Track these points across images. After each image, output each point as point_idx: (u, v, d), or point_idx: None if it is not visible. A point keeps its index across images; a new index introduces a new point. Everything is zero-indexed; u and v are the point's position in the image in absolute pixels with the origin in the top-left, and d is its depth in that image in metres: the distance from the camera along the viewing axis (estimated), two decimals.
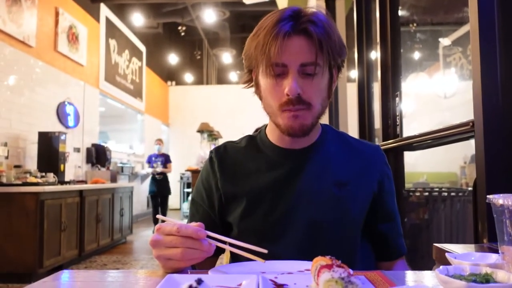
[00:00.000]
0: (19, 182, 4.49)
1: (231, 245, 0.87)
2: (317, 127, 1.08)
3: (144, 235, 7.47)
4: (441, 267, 0.66)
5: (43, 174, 4.98)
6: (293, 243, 1.01)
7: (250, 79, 1.09)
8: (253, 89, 1.09)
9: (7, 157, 4.81)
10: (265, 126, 1.16)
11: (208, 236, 0.83)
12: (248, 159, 1.10)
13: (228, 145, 1.16)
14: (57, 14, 6.18)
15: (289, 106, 0.96)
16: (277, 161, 1.07)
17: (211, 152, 1.16)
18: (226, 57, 12.48)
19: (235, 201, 1.07)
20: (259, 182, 1.05)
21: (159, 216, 0.89)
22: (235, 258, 1.14)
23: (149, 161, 8.12)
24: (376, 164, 1.12)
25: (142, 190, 10.01)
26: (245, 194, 1.05)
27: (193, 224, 0.82)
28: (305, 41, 0.94)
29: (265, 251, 0.80)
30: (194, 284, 0.48)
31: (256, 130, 1.24)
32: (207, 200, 1.11)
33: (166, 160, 8.04)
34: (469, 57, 5.78)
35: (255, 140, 1.14)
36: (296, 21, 0.94)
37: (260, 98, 1.06)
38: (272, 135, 1.10)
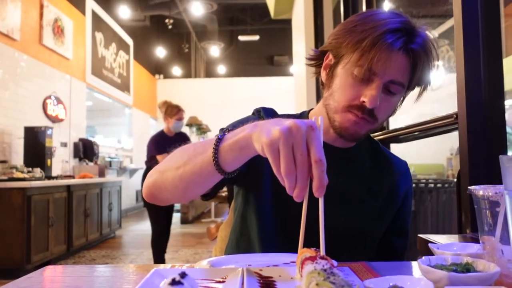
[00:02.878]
0: (5, 177, 4.43)
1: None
2: None
3: (133, 230, 7.45)
4: (423, 257, 0.68)
5: (30, 169, 4.93)
6: (313, 239, 0.98)
7: (319, 58, 1.03)
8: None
9: None
10: (308, 111, 1.12)
11: None
12: None
13: (276, 113, 1.10)
14: (41, 6, 6.08)
15: (358, 112, 0.93)
16: None
17: (258, 110, 1.09)
18: (214, 50, 12.42)
19: (272, 172, 0.99)
20: None
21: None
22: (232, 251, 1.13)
23: (159, 149, 4.11)
24: (404, 179, 1.13)
25: (131, 185, 9.97)
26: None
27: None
28: (406, 61, 0.91)
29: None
30: (178, 278, 0.48)
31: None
32: None
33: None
34: None
35: None
36: (408, 37, 0.90)
37: (326, 87, 1.00)
38: None
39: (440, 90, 5.93)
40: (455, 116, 1.33)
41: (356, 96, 0.92)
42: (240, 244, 1.09)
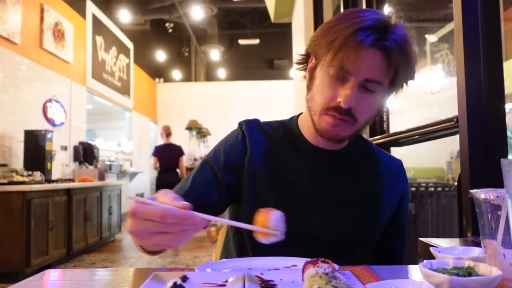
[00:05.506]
0: (5, 181, 4.43)
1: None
2: None
3: None
4: (424, 261, 0.67)
5: (30, 172, 4.92)
6: (307, 245, 0.98)
7: (305, 62, 1.03)
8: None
9: None
10: (297, 115, 1.12)
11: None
12: (278, 147, 1.06)
13: (260, 123, 1.10)
14: (42, 10, 6.09)
15: (335, 113, 0.93)
16: (307, 158, 1.04)
17: (240, 124, 1.10)
18: (214, 53, 12.43)
19: (257, 186, 1.02)
20: (286, 175, 1.02)
21: (130, 197, 0.68)
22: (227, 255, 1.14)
23: (156, 153, 6.81)
24: (399, 178, 1.12)
25: (131, 188, 9.95)
26: (270, 181, 1.02)
27: (177, 204, 0.65)
28: (381, 58, 0.90)
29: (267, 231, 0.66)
30: (179, 281, 0.48)
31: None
32: (223, 166, 1.03)
33: None
34: None
35: (286, 129, 1.10)
36: (380, 34, 0.89)
37: (308, 89, 1.01)
38: (306, 130, 1.06)
39: (440, 94, 5.94)
40: (455, 119, 1.33)
41: (333, 97, 0.92)
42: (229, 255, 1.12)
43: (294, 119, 1.11)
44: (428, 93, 6.10)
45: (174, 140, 7.58)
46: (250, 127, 1.08)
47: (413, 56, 0.93)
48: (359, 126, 0.97)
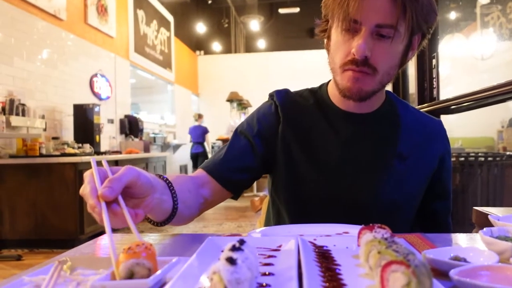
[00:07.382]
0: (57, 153, 4.64)
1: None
2: (381, 93, 1.02)
3: None
4: (485, 229, 0.65)
5: (80, 145, 5.13)
6: (343, 212, 0.98)
7: (326, 29, 1.01)
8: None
9: (45, 129, 4.97)
10: (327, 82, 1.10)
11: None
12: (309, 116, 1.05)
13: (290, 93, 1.10)
14: None
15: (352, 66, 0.90)
16: (337, 123, 1.03)
17: (271, 95, 1.11)
18: (254, 24, 12.29)
19: (290, 153, 1.03)
20: (318, 143, 1.02)
21: (92, 162, 0.74)
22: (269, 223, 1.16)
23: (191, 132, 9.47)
24: (438, 139, 1.07)
25: (175, 160, 10.21)
26: (303, 151, 1.02)
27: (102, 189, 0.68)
28: (387, 1, 0.86)
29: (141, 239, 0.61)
30: (238, 244, 0.49)
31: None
32: (257, 134, 1.05)
33: None
34: (509, 16, 5.49)
35: (316, 96, 1.09)
36: None
37: (327, 52, 0.99)
38: (334, 95, 1.05)
39: (492, 59, 5.63)
40: None
41: (348, 51, 0.90)
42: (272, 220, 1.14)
43: (324, 86, 1.10)
44: (479, 58, 5.80)
45: (217, 111, 9.29)
46: (281, 97, 1.08)
47: None
48: (381, 78, 0.93)
